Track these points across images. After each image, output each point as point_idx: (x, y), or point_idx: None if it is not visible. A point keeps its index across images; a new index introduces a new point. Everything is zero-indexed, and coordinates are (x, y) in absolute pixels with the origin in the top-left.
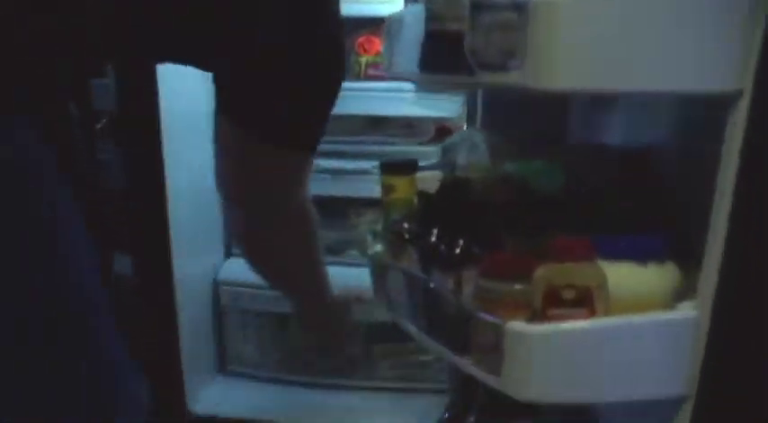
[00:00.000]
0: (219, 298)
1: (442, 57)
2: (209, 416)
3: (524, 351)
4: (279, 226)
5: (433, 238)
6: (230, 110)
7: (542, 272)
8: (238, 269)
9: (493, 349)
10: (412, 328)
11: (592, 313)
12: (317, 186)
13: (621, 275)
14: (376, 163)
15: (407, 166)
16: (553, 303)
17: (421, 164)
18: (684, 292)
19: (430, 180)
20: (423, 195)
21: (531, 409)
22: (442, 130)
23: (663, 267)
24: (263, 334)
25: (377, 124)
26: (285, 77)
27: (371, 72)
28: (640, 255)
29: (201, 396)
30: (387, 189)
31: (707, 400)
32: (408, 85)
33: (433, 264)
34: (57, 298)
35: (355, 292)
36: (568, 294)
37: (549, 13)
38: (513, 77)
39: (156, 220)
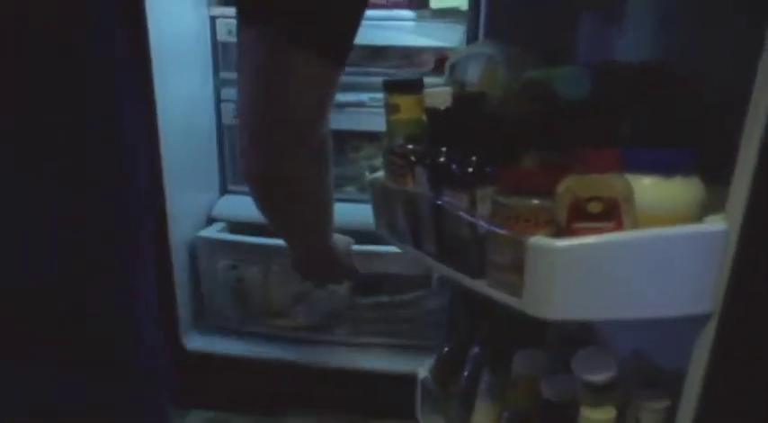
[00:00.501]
0: None
1: None
2: (201, 352)
3: (547, 267)
4: (300, 164)
5: (443, 158)
6: (256, 15)
7: (568, 183)
8: (232, 207)
9: (512, 268)
10: (418, 255)
11: (619, 226)
12: None
13: (647, 188)
14: (373, 95)
15: (414, 84)
16: (578, 217)
17: None
18: (710, 206)
19: (439, 96)
20: (431, 112)
21: (537, 339)
22: (442, 61)
23: (689, 181)
24: None
25: (375, 55)
26: None
27: None
28: (666, 168)
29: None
30: (391, 108)
31: (732, 318)
32: (408, 14)
33: (444, 184)
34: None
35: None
36: (595, 207)
37: None
38: None
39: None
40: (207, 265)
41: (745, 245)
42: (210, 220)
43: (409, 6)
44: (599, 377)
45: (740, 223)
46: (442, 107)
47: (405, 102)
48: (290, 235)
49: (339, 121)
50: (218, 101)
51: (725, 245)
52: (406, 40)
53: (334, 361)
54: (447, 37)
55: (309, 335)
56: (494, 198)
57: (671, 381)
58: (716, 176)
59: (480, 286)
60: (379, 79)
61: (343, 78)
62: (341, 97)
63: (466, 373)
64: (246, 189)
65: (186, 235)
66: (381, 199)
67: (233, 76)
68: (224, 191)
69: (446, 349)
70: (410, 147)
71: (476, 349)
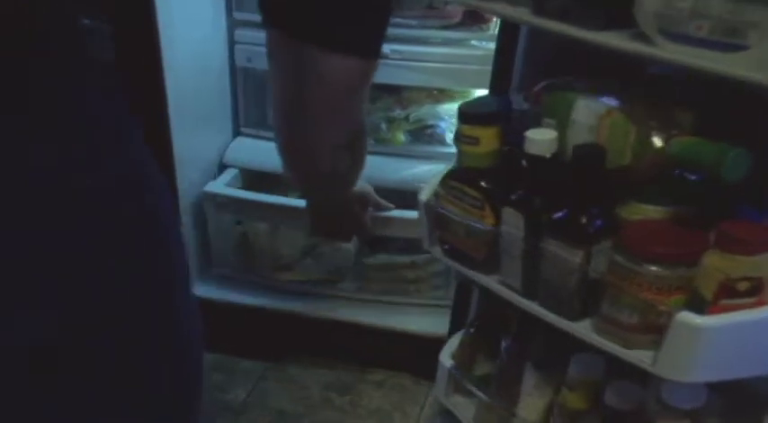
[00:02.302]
0: None
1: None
2: (206, 300)
3: (693, 341)
4: (337, 149)
5: (550, 209)
6: (282, 18)
7: (718, 263)
8: (245, 150)
9: (637, 329)
10: (489, 282)
11: (761, 302)
12: None
13: None
14: (395, 47)
15: (496, 117)
16: (726, 295)
17: None
18: None
19: (541, 141)
20: (538, 161)
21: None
22: (470, 14)
23: None
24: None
25: (396, 5)
26: None
27: None
28: None
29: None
30: (469, 140)
31: None
32: None
33: (551, 235)
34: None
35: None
36: (743, 286)
37: None
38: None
39: (150, 97)
40: (213, 219)
41: None
42: (223, 167)
43: None
44: (687, 405)
45: None
46: (548, 154)
47: (485, 134)
48: (310, 191)
49: None
50: (232, 42)
51: None
52: None
53: (337, 314)
54: None
55: (313, 287)
56: (619, 261)
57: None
58: None
59: (580, 330)
60: (401, 31)
61: None
62: None
63: (499, 364)
64: (259, 132)
65: (197, 180)
66: (437, 223)
67: (246, 16)
68: (237, 133)
69: (471, 331)
70: (490, 184)
71: (508, 342)
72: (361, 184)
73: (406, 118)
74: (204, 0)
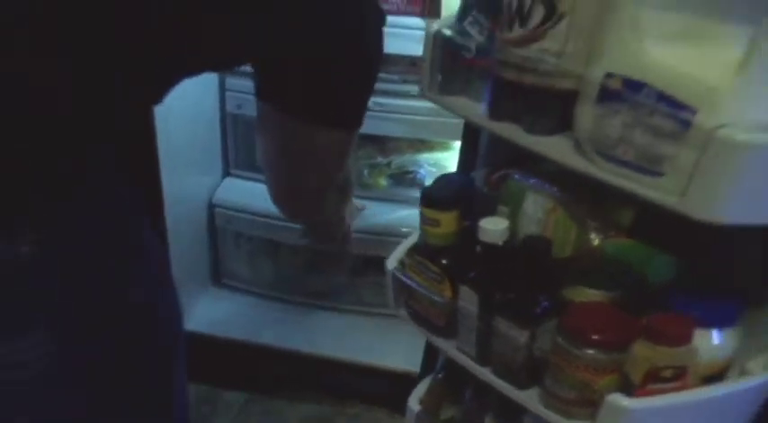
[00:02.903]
0: (215, 218)
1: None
2: (199, 334)
3: (621, 420)
4: (324, 192)
5: (500, 291)
6: (274, 95)
7: (646, 352)
8: (235, 191)
9: (575, 403)
10: (447, 346)
11: (684, 386)
12: None
13: (710, 344)
14: (378, 100)
15: (456, 201)
16: (651, 380)
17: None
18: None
19: (494, 231)
20: (490, 248)
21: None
22: None
23: (735, 329)
24: (255, 256)
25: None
26: (329, 60)
27: None
28: (719, 321)
29: (194, 310)
30: (430, 221)
31: None
32: (416, 22)
33: (501, 314)
34: None
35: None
36: (667, 373)
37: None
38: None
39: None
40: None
41: None
42: (212, 207)
43: (420, 14)
44: None
45: None
46: (500, 242)
47: (445, 217)
48: (302, 222)
49: None
50: (223, 90)
51: None
52: (415, 49)
53: (318, 349)
54: None
55: (316, 300)
56: (560, 343)
57: None
58: None
59: (525, 399)
60: (384, 86)
61: None
62: None
63: (464, 409)
64: (248, 174)
65: (186, 219)
66: (403, 289)
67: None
68: (226, 174)
69: (439, 376)
70: (449, 262)
71: (470, 393)
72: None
73: (388, 164)
74: None
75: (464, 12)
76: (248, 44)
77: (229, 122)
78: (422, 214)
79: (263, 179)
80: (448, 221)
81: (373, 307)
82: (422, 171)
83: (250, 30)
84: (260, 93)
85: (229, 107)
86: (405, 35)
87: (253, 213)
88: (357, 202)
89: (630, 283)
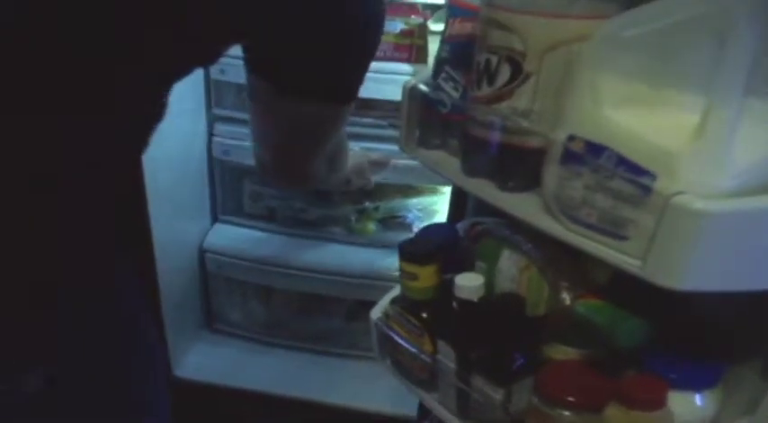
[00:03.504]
0: (206, 264)
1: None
2: (192, 381)
3: None
4: (316, 160)
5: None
6: (262, 68)
7: (619, 416)
8: (225, 236)
9: None
10: (428, 398)
11: None
12: None
13: (679, 406)
14: (362, 144)
15: (433, 256)
16: None
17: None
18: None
19: (469, 287)
20: (466, 304)
21: None
22: None
23: (714, 392)
24: (247, 301)
25: (364, 106)
26: (325, 35)
27: None
28: (699, 383)
29: (186, 357)
30: (408, 275)
31: None
32: (403, 67)
33: (476, 372)
34: None
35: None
36: None
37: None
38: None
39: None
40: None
41: None
42: (203, 252)
43: (408, 60)
44: None
45: None
46: (475, 298)
47: (423, 272)
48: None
49: None
50: (210, 135)
51: None
52: (399, 93)
53: (309, 394)
54: None
55: (312, 345)
56: (534, 402)
57: None
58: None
59: None
60: (367, 130)
61: None
62: None
63: None
64: (236, 219)
65: (176, 266)
66: (386, 340)
67: (224, 112)
68: (215, 220)
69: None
70: (428, 316)
71: None
72: (355, 157)
73: (376, 209)
74: (185, 95)
75: (438, 67)
76: (247, 27)
77: (217, 168)
78: (400, 268)
79: (252, 225)
80: (426, 275)
81: (368, 351)
82: (410, 216)
83: (249, 14)
84: (248, 63)
85: (216, 153)
86: (392, 80)
87: (244, 258)
88: (379, 155)
89: (601, 344)
